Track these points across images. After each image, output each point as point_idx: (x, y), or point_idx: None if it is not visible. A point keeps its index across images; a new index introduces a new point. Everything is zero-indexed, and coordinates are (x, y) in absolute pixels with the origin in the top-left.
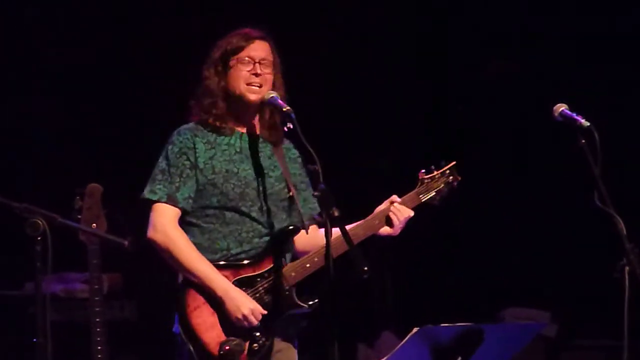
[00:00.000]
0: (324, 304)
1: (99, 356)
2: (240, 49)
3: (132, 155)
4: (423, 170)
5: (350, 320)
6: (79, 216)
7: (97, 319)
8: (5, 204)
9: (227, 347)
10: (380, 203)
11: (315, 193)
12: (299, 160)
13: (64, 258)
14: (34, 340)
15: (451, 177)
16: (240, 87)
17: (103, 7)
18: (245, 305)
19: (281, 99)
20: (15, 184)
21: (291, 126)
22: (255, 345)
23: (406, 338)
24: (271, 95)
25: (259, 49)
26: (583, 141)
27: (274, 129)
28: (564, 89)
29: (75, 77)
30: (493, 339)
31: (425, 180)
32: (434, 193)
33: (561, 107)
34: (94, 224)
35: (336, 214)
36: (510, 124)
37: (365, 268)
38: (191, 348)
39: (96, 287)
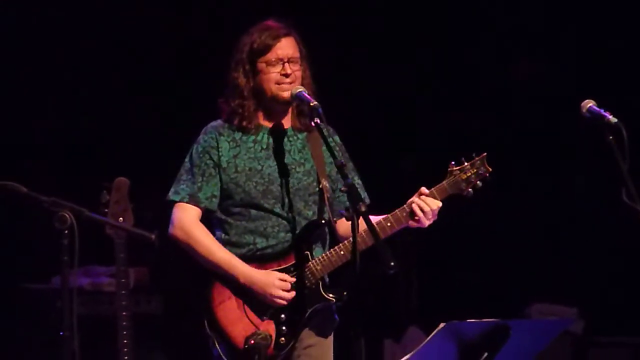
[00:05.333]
0: (351, 299)
1: (125, 349)
2: (268, 49)
3: (159, 149)
4: (453, 162)
5: (377, 315)
6: (106, 210)
7: (124, 313)
8: (33, 198)
9: (252, 341)
10: (404, 202)
11: (342, 188)
12: (338, 147)
13: (91, 252)
14: (61, 333)
15: (482, 169)
16: (272, 88)
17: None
18: (271, 285)
19: (310, 91)
20: (43, 178)
21: (318, 121)
22: (282, 339)
23: (432, 333)
24: (299, 90)
25: (286, 47)
26: (611, 137)
27: (303, 116)
28: (592, 86)
29: (103, 70)
30: (519, 335)
31: (455, 172)
32: (464, 184)
33: (589, 104)
34: (121, 218)
35: (363, 208)
36: (538, 120)
37: (392, 264)
38: (216, 341)
39: (123, 280)
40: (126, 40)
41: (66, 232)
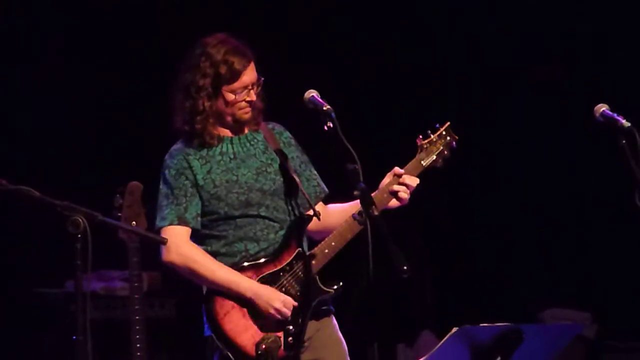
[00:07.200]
0: (364, 304)
1: (138, 354)
2: (235, 78)
3: None
4: (420, 136)
5: (390, 320)
6: (120, 214)
7: (137, 317)
8: (47, 202)
9: (263, 346)
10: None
11: (355, 192)
12: (293, 142)
13: (104, 256)
14: (74, 337)
15: (449, 138)
16: (235, 113)
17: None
18: (276, 299)
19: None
20: (57, 182)
21: (331, 125)
22: (290, 338)
23: (445, 338)
24: (311, 95)
25: (251, 73)
26: (624, 141)
27: (253, 117)
28: (605, 90)
29: (117, 75)
30: (532, 339)
31: (425, 146)
32: (435, 156)
33: (602, 108)
34: (134, 222)
35: (376, 212)
36: (552, 123)
37: (405, 267)
38: (229, 354)
39: (136, 285)
40: (139, 43)
41: (79, 236)
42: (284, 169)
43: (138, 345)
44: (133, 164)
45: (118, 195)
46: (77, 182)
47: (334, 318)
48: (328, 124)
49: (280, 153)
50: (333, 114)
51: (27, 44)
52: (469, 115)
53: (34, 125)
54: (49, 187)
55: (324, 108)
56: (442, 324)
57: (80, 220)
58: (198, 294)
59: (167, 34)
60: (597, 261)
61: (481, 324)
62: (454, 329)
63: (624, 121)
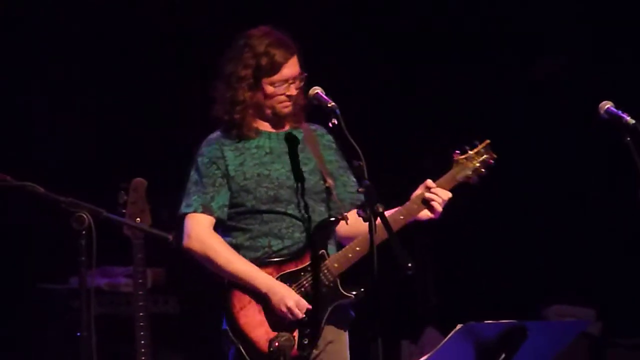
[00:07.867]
0: (369, 300)
1: (142, 350)
2: (276, 70)
3: (176, 149)
4: (457, 151)
5: (394, 316)
6: (124, 210)
7: (141, 313)
8: (51, 198)
9: (276, 344)
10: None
11: (360, 189)
12: (334, 145)
13: (109, 252)
14: (78, 333)
15: (486, 156)
16: (275, 106)
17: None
18: (289, 298)
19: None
20: (61, 178)
21: (336, 122)
22: (305, 339)
23: (450, 335)
24: (316, 92)
25: (293, 67)
26: (628, 138)
27: (295, 114)
28: (610, 86)
29: (120, 71)
30: (537, 336)
31: (461, 161)
32: (470, 172)
33: (607, 105)
34: (139, 219)
35: (380, 209)
36: (552, 123)
37: (410, 264)
38: (241, 347)
39: (140, 281)
40: (143, 42)
41: (84, 232)
42: (318, 170)
43: (142, 341)
44: (137, 161)
45: (122, 192)
46: (81, 178)
47: (347, 335)
48: (333, 121)
49: (317, 154)
50: (338, 111)
51: (27, 44)
52: (469, 115)
53: (37, 122)
54: (53, 183)
55: (329, 105)
56: (446, 320)
57: (85, 216)
58: (208, 290)
59: (168, 33)
60: (601, 258)
61: (486, 321)
62: (459, 326)
63: (628, 118)
